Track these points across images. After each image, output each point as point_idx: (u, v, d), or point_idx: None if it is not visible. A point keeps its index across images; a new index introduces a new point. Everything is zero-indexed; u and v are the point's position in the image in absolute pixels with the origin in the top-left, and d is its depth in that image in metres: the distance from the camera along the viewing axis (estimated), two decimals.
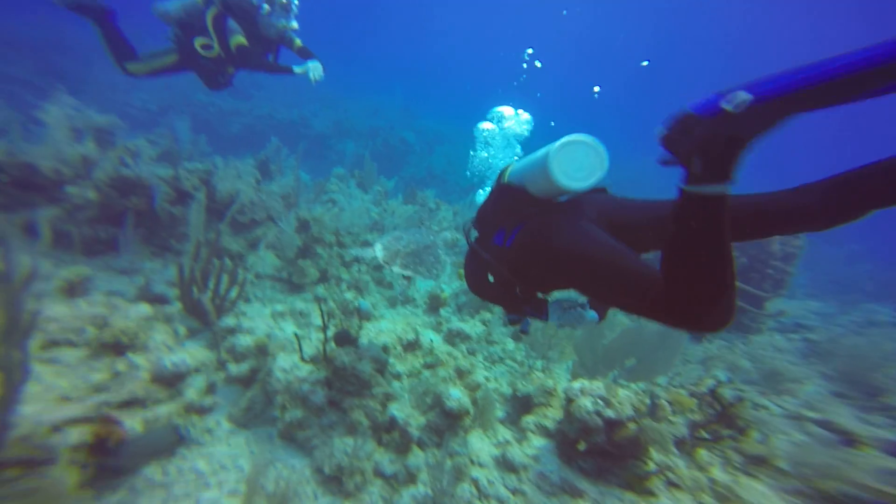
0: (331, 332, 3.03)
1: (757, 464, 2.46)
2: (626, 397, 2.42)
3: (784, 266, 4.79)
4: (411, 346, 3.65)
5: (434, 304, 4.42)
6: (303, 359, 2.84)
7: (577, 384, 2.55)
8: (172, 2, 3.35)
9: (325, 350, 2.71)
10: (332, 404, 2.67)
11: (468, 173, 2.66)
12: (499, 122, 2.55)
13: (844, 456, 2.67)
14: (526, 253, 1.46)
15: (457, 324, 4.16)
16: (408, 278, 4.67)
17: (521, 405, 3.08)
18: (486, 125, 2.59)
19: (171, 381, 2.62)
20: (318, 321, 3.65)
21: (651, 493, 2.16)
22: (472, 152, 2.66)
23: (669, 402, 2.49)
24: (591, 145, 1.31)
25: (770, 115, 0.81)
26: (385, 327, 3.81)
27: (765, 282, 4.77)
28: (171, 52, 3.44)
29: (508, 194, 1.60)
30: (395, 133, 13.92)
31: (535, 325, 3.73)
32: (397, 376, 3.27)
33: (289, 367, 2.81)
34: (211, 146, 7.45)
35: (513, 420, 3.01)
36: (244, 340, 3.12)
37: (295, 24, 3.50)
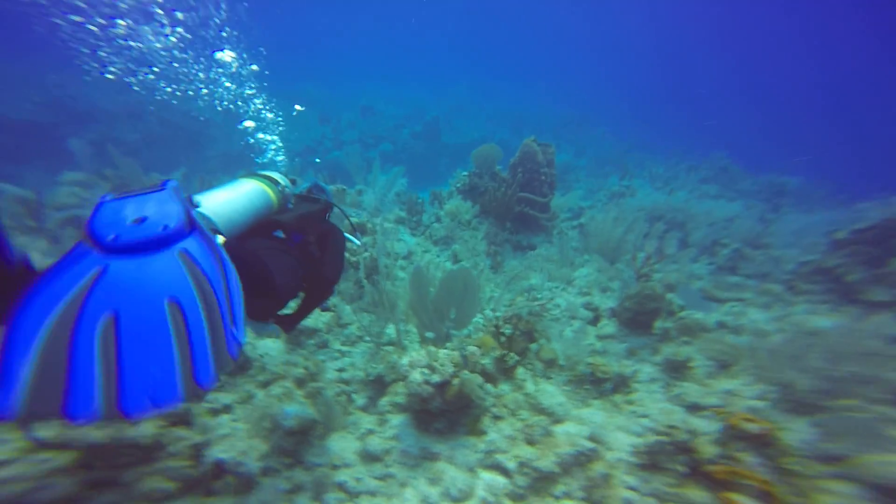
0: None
1: (550, 366, 3.29)
2: (446, 356, 2.76)
3: (549, 170, 5.83)
4: (239, 368, 3.27)
5: None
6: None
7: (405, 360, 2.78)
8: None
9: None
10: (99, 486, 2.13)
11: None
12: None
13: (586, 335, 3.79)
14: None
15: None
16: None
17: (376, 388, 3.24)
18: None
19: None
20: None
21: (483, 432, 2.68)
22: None
23: (479, 346, 2.98)
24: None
25: None
26: None
27: (542, 187, 5.77)
28: None
29: None
30: (169, 104, 9.91)
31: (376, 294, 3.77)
32: (225, 409, 2.95)
33: None
34: None
35: (374, 404, 3.15)
36: None
37: None
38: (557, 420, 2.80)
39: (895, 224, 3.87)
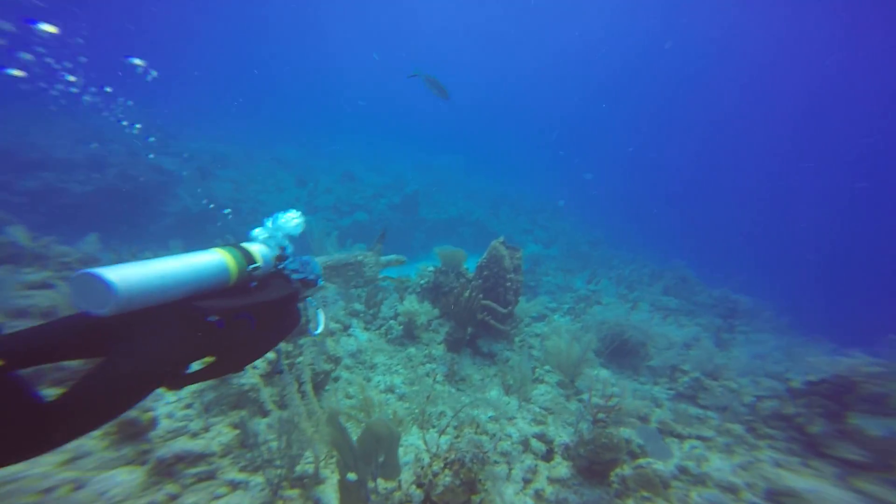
0: None
1: None
2: None
3: (515, 276, 5.71)
4: None
5: (129, 430, 3.16)
6: None
7: None
8: None
9: None
10: None
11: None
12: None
13: (537, 477, 3.36)
14: None
15: (182, 443, 3.20)
16: None
17: None
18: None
19: None
20: None
21: None
22: None
23: None
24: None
25: None
26: None
27: (507, 293, 5.60)
28: None
29: None
30: (138, 158, 9.76)
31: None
32: None
33: None
34: None
35: None
36: None
37: None
38: None
39: (846, 381, 3.84)
